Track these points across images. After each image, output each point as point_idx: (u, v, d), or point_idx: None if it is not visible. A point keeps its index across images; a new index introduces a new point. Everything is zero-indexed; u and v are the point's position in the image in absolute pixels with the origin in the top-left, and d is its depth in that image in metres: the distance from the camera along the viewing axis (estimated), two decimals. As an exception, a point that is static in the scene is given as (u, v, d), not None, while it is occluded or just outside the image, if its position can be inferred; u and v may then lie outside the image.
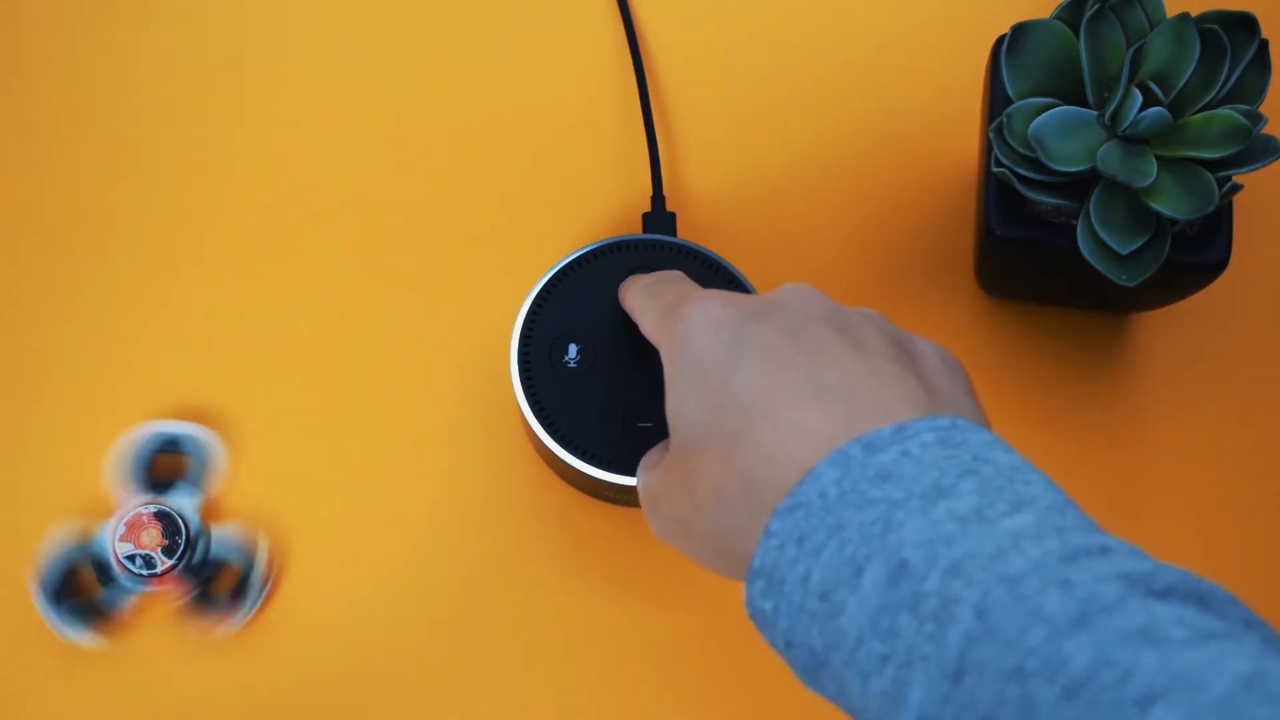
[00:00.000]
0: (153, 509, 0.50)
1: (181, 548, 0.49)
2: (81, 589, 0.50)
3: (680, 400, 0.37)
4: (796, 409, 0.34)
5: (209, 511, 0.51)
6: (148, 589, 0.49)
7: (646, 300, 0.43)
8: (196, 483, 0.51)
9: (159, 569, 0.49)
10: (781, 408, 0.35)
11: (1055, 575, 0.29)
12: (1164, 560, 0.44)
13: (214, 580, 0.50)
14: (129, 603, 0.50)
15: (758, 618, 0.35)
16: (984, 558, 0.30)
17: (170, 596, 0.50)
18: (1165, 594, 0.29)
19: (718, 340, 0.37)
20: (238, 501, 0.52)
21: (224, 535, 0.50)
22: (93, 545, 0.50)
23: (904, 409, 0.34)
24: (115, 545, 0.49)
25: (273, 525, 0.51)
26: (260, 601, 0.50)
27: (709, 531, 0.36)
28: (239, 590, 0.50)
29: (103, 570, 0.50)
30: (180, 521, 0.49)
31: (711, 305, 0.38)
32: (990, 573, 0.29)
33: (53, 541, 0.50)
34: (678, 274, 0.44)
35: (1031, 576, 0.29)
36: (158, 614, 0.50)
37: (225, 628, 0.50)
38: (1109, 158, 0.44)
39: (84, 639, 0.49)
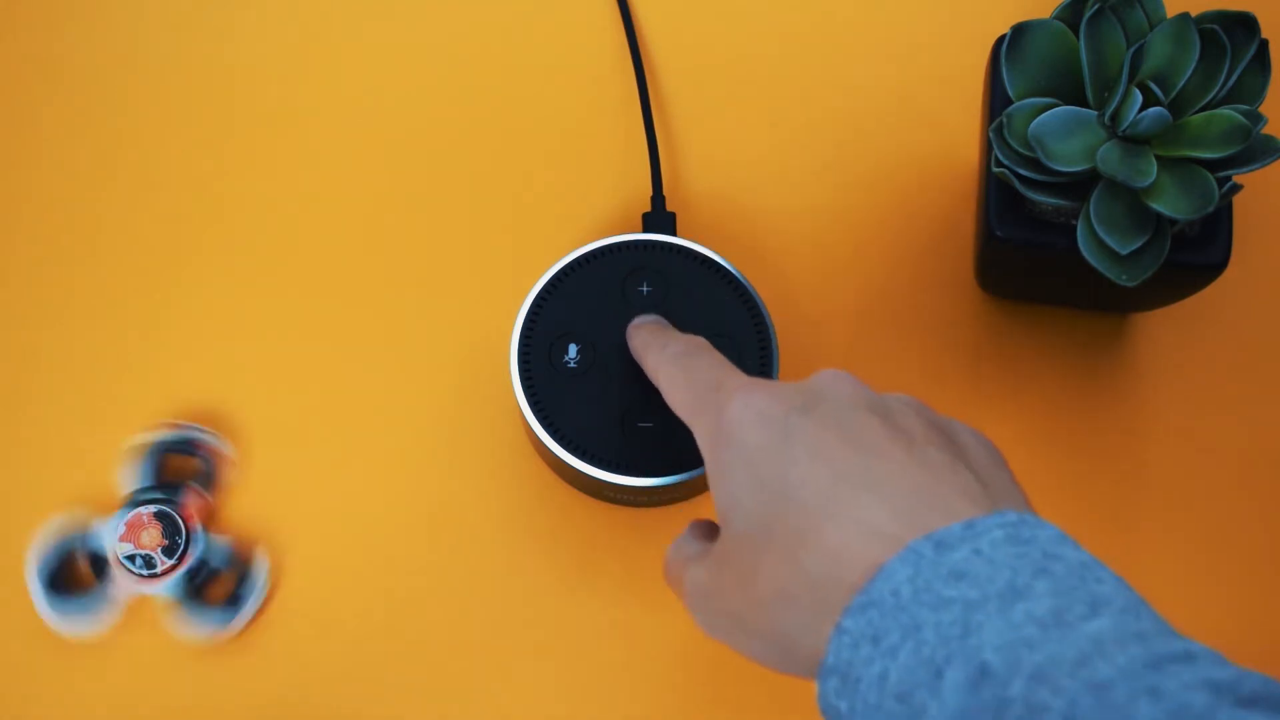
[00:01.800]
0: (153, 509, 0.49)
1: (181, 548, 0.49)
2: (76, 579, 0.50)
3: (733, 495, 0.37)
4: (858, 506, 0.34)
5: (210, 516, 0.51)
6: (142, 589, 0.49)
7: (676, 375, 0.42)
8: (206, 485, 0.51)
9: (159, 569, 0.49)
10: (843, 505, 0.34)
11: (1143, 683, 0.28)
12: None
13: (207, 586, 0.50)
14: (123, 599, 0.50)
15: (830, 715, 0.34)
16: (1069, 664, 0.29)
17: (162, 599, 0.50)
18: (1251, 702, 0.28)
19: (766, 435, 0.37)
20: (238, 500, 0.51)
21: (223, 543, 0.50)
22: (91, 538, 0.50)
23: (963, 503, 0.34)
24: (115, 545, 0.49)
25: (272, 524, 0.51)
26: (253, 614, 0.50)
27: (770, 631, 0.36)
28: (232, 600, 0.50)
29: (98, 564, 0.50)
30: (180, 522, 0.49)
31: (755, 398, 0.38)
32: (1077, 680, 0.29)
33: (51, 529, 0.50)
34: (703, 343, 0.43)
35: (1119, 684, 0.29)
36: (155, 613, 0.50)
37: (213, 635, 0.49)
38: (1109, 158, 0.44)
39: (73, 629, 0.49)
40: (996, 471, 0.37)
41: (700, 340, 0.44)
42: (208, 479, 0.51)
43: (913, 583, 0.32)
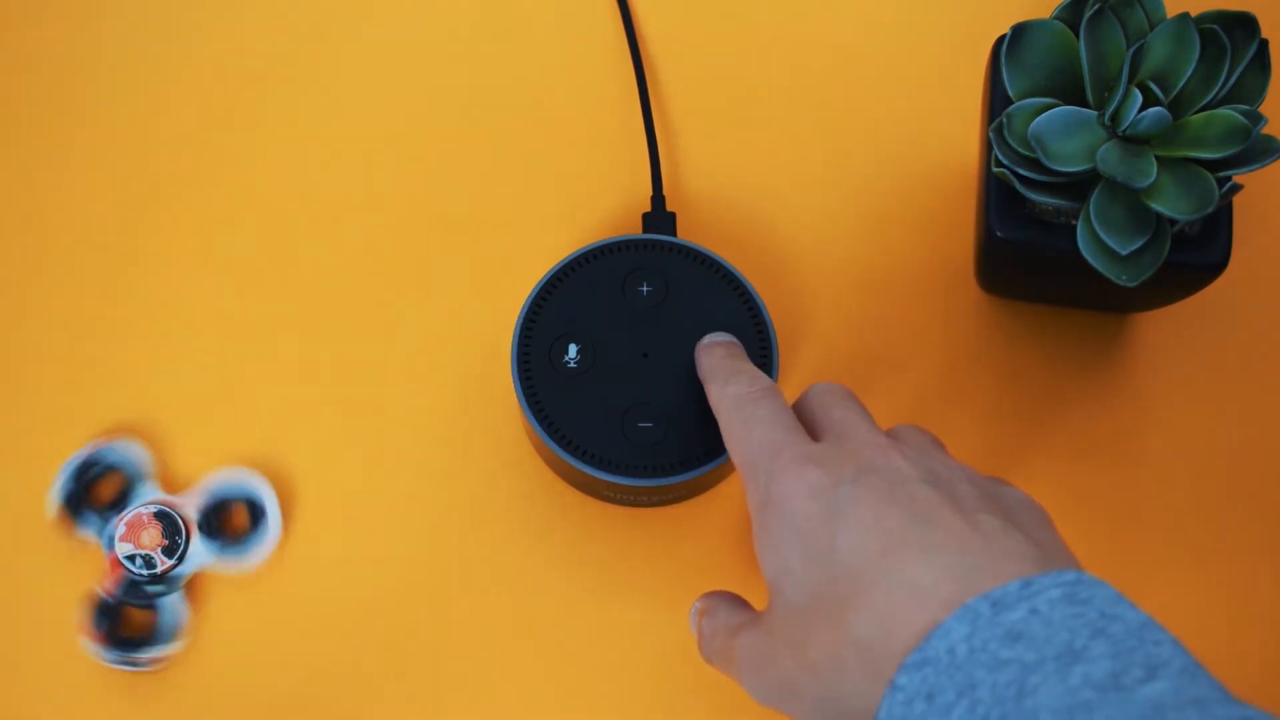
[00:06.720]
0: (153, 509, 0.50)
1: (182, 548, 0.49)
2: (98, 497, 0.51)
3: (783, 564, 0.38)
4: (908, 569, 0.35)
5: (171, 483, 0.51)
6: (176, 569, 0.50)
7: (735, 425, 0.42)
8: (142, 479, 0.51)
9: (159, 569, 0.49)
10: (892, 569, 0.35)
11: None
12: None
13: (226, 521, 0.50)
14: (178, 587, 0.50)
15: None
16: None
17: (201, 567, 0.50)
18: None
19: (816, 505, 0.37)
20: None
21: (218, 481, 0.51)
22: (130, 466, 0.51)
23: (1014, 565, 0.34)
24: (115, 545, 0.49)
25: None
26: (281, 529, 0.50)
27: (822, 696, 0.36)
28: (256, 521, 0.50)
29: (122, 493, 0.51)
30: (180, 521, 0.49)
31: (807, 472, 0.38)
32: None
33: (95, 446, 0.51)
34: (768, 387, 0.43)
35: None
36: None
37: (257, 561, 0.50)
38: (1109, 158, 0.44)
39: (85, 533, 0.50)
40: (1046, 533, 0.37)
41: (765, 383, 0.43)
42: (139, 478, 0.51)
43: (969, 641, 0.32)
